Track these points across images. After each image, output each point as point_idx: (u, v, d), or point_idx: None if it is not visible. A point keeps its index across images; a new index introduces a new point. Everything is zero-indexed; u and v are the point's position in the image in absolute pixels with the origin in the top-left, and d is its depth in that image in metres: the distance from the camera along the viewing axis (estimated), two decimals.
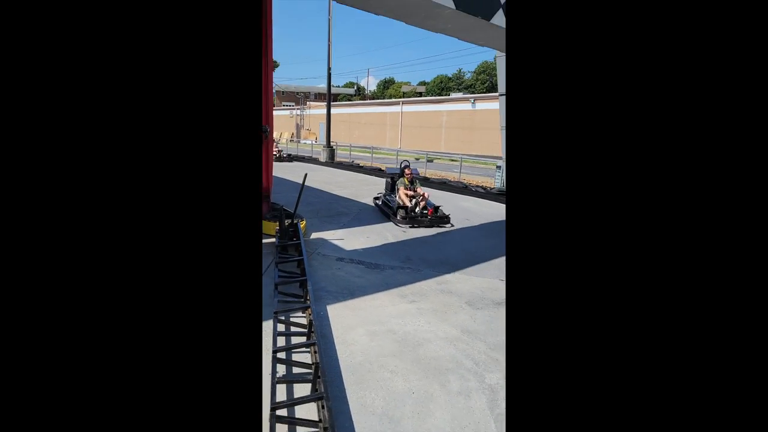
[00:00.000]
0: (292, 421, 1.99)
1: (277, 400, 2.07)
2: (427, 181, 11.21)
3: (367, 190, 9.83)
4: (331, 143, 16.72)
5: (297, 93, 47.65)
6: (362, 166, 14.08)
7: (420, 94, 43.07)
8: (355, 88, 55.98)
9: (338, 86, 54.17)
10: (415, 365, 2.64)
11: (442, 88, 43.84)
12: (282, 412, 2.04)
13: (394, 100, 31.78)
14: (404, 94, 43.38)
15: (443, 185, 10.77)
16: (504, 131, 9.07)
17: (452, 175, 12.92)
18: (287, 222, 4.99)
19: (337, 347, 2.79)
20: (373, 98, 47.72)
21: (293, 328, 2.96)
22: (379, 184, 10.70)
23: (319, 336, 2.79)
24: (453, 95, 30.93)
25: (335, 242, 5.31)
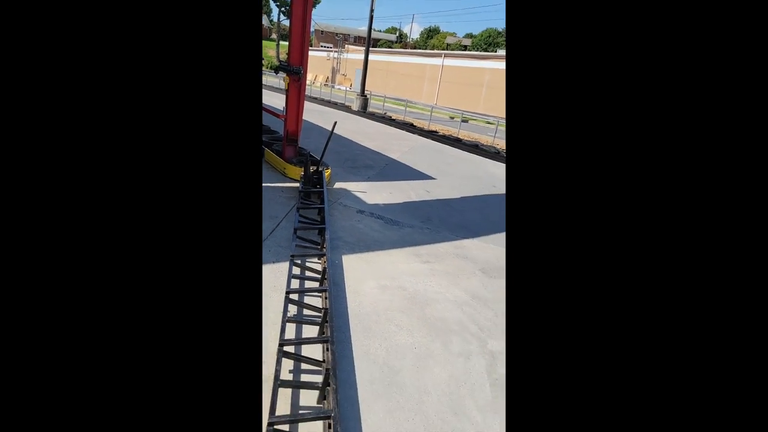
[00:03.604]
0: (298, 358, 2.12)
1: (286, 338, 2.20)
2: (458, 142, 10.88)
3: (397, 144, 9.66)
4: (366, 92, 16.27)
5: (336, 34, 45.91)
6: (394, 120, 13.72)
7: (465, 48, 40.61)
8: (398, 34, 53.29)
9: (380, 31, 51.75)
10: (421, 323, 2.72)
11: (489, 43, 40.96)
12: (289, 348, 2.18)
13: (435, 51, 30.04)
14: (448, 46, 41.02)
15: (475, 148, 10.44)
16: None
17: (486, 139, 12.44)
18: (312, 169, 5.02)
19: (347, 296, 2.89)
20: (415, 47, 45.45)
21: (308, 273, 3.07)
22: (410, 140, 10.48)
23: (332, 283, 2.89)
24: (500, 52, 28.96)
25: (358, 194, 5.33)
